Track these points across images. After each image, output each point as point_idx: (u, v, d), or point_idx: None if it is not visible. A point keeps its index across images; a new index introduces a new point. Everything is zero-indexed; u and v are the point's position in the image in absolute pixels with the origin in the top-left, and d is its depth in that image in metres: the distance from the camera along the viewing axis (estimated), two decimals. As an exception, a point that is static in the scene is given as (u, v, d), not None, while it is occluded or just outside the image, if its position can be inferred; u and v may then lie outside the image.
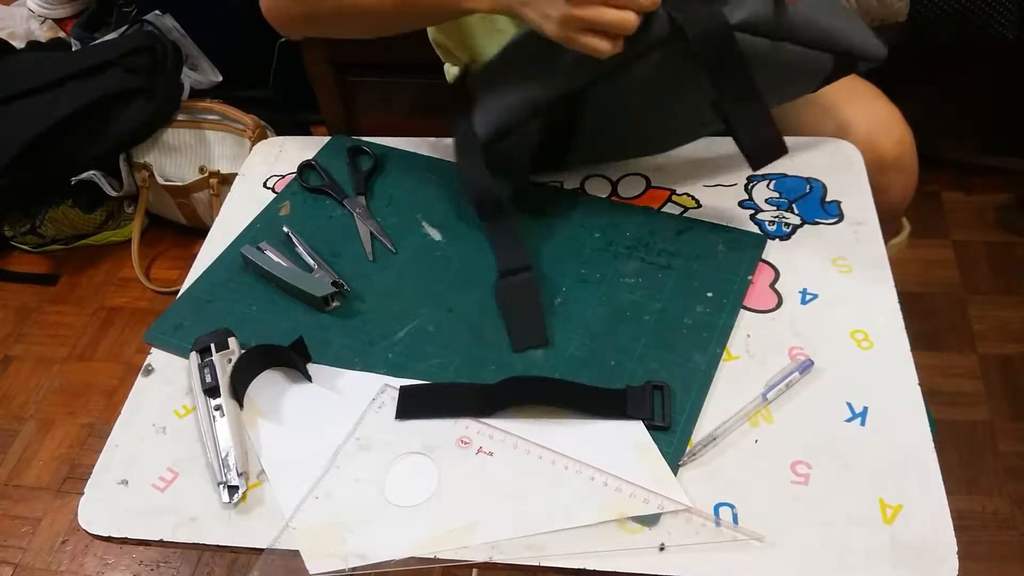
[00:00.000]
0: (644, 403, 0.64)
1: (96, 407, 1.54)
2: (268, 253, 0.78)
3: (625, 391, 0.65)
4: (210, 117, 1.70)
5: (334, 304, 0.74)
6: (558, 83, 0.72)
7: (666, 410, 0.64)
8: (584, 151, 0.81)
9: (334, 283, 0.74)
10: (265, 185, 0.90)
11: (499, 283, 0.74)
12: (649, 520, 0.58)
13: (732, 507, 0.58)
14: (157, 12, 1.76)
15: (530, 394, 0.65)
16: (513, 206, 0.78)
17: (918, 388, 0.63)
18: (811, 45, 0.73)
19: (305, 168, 0.90)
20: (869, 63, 0.77)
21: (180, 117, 1.70)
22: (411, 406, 0.66)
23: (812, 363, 0.65)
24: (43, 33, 1.98)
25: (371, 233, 0.81)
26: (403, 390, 0.67)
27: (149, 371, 0.72)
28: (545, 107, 0.73)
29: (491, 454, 0.62)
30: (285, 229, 0.81)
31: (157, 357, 0.73)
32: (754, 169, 0.74)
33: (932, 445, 0.60)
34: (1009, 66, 1.52)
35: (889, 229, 0.97)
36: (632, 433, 0.62)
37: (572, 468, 0.61)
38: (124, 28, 1.78)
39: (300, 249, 0.79)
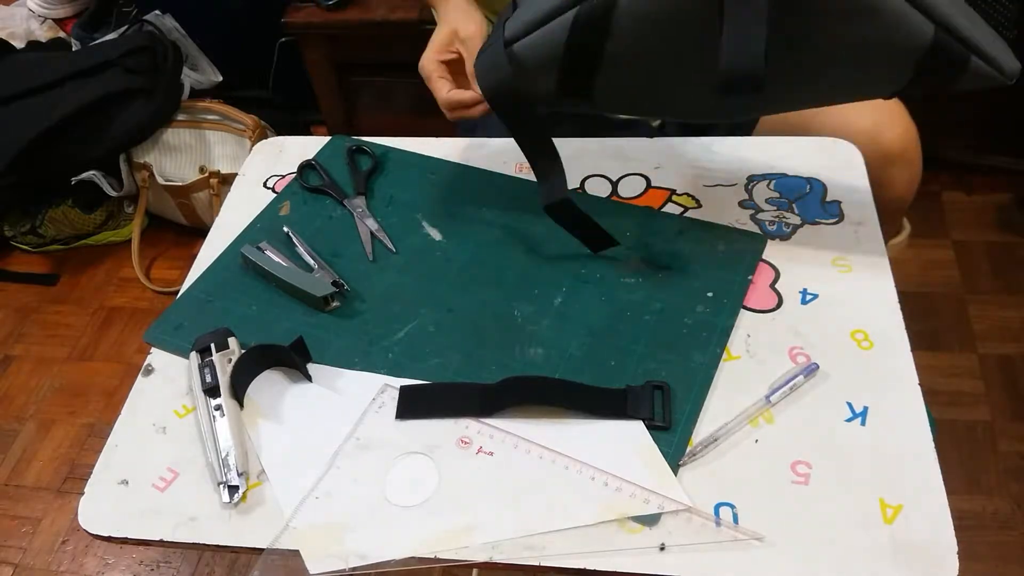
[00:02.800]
0: (644, 403, 0.64)
1: (96, 407, 1.54)
2: (268, 253, 0.78)
3: (625, 391, 0.65)
4: (210, 117, 1.70)
5: (334, 304, 0.74)
6: None
7: (666, 410, 0.64)
8: (609, 79, 0.68)
9: (334, 283, 0.74)
10: (265, 185, 0.90)
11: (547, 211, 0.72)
12: (649, 520, 0.58)
13: (732, 507, 0.58)
14: (157, 12, 1.77)
15: (530, 394, 0.65)
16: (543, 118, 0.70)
17: (918, 388, 0.63)
18: (910, 1, 0.58)
19: (305, 168, 0.90)
20: (988, 71, 0.60)
21: (180, 117, 1.70)
22: (411, 406, 0.66)
23: (817, 367, 0.65)
24: (43, 33, 1.98)
25: (371, 233, 0.81)
26: (403, 390, 0.67)
27: (149, 371, 0.72)
28: (573, 4, 0.64)
29: (491, 454, 0.62)
30: (285, 229, 0.82)
31: (157, 357, 0.73)
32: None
33: (932, 445, 0.60)
34: None
35: (891, 227, 0.96)
36: (632, 433, 0.62)
37: (572, 468, 0.61)
38: (124, 28, 1.79)
39: (300, 249, 0.79)
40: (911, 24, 0.59)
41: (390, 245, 0.80)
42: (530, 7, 0.67)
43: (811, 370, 0.65)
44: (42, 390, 1.58)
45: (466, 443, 0.63)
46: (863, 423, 0.62)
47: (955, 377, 1.40)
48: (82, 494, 0.64)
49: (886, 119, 0.89)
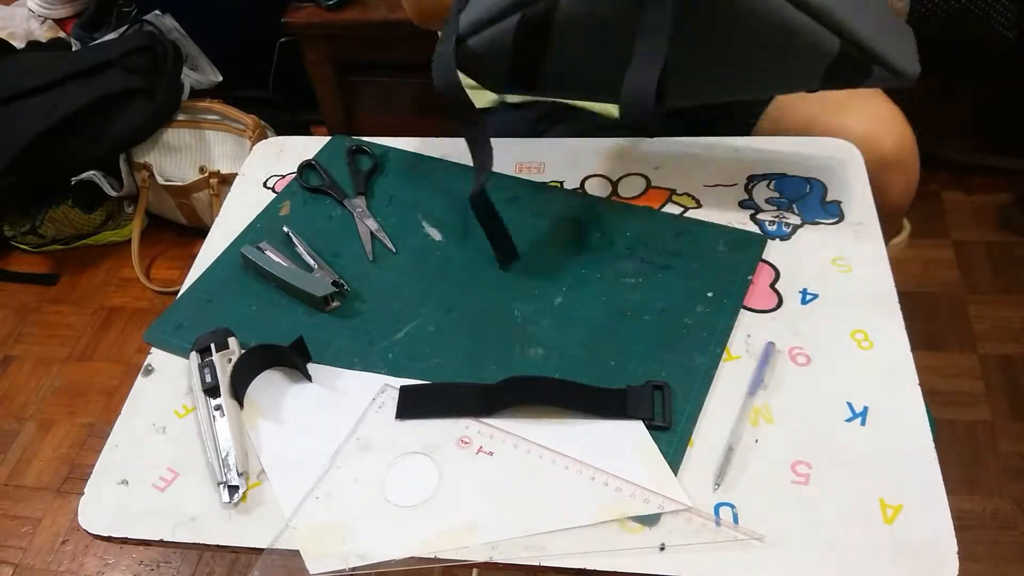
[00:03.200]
0: (644, 403, 0.64)
1: (96, 407, 1.54)
2: (268, 253, 0.78)
3: (625, 391, 0.65)
4: (210, 117, 1.70)
5: (334, 304, 0.74)
6: None
7: (667, 410, 0.64)
8: (554, 67, 0.75)
9: (334, 283, 0.74)
10: (265, 185, 0.90)
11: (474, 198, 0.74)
12: (649, 520, 0.58)
13: (732, 507, 0.58)
14: (157, 12, 1.77)
15: (530, 394, 0.65)
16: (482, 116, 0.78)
17: (918, 388, 0.63)
18: (818, 18, 0.66)
19: (305, 168, 0.90)
20: (888, 75, 0.69)
21: (180, 117, 1.71)
22: (411, 406, 0.66)
23: (773, 345, 0.67)
24: (43, 33, 1.98)
25: (371, 233, 0.81)
26: (403, 390, 0.67)
27: (149, 371, 0.72)
28: (523, 3, 0.71)
29: (491, 454, 0.62)
30: (285, 229, 0.82)
31: (157, 357, 0.73)
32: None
33: (932, 445, 0.60)
34: (1009, 66, 1.52)
35: (890, 229, 0.96)
36: (632, 433, 0.62)
37: (572, 468, 0.61)
38: (124, 28, 1.79)
39: (300, 249, 0.79)
40: (819, 38, 0.67)
41: (390, 245, 0.80)
42: (480, 5, 0.73)
43: (768, 353, 0.66)
44: (42, 390, 1.58)
45: (466, 443, 0.63)
46: (863, 423, 0.62)
47: (955, 377, 1.40)
48: (82, 494, 0.64)
49: (883, 125, 0.90)
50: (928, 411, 0.62)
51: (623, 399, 0.64)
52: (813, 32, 0.66)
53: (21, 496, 1.41)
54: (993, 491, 1.25)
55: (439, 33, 0.94)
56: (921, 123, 0.93)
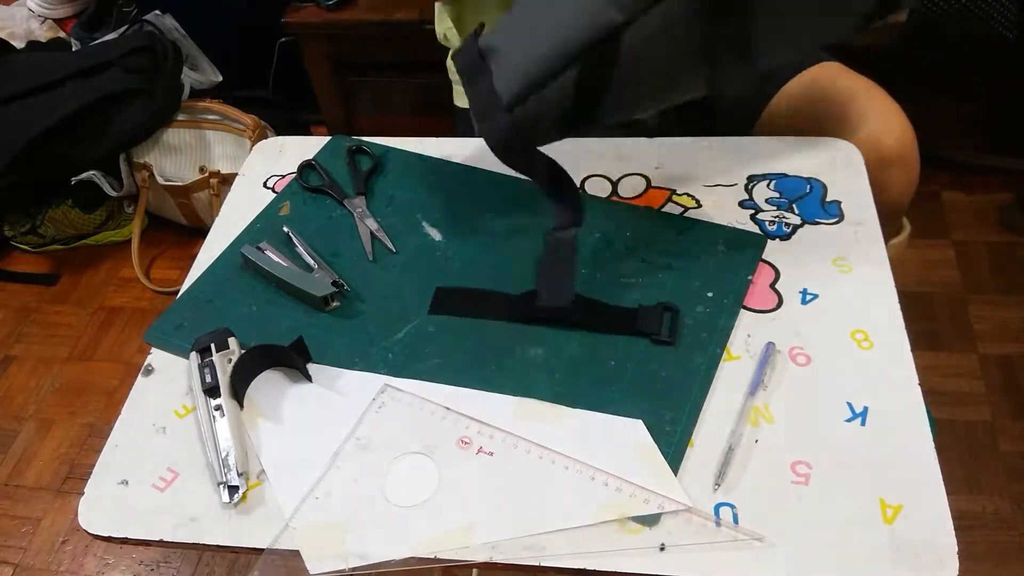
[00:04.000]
0: (654, 320, 0.68)
1: (96, 407, 1.54)
2: (268, 253, 0.78)
3: (636, 310, 0.70)
4: (210, 117, 1.70)
5: (334, 304, 0.74)
6: (594, 23, 0.63)
7: (674, 328, 0.68)
8: (619, 99, 0.68)
9: (334, 283, 0.74)
10: (265, 185, 0.90)
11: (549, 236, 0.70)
12: (649, 520, 0.58)
13: (732, 507, 0.58)
14: (157, 12, 1.77)
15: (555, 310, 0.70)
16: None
17: (918, 388, 0.63)
18: None
19: (305, 168, 0.90)
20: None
21: (180, 117, 1.71)
22: (444, 304, 0.72)
23: (773, 345, 0.67)
24: (43, 33, 1.98)
25: (371, 233, 0.81)
26: (438, 291, 0.73)
27: (149, 371, 0.72)
28: (579, 52, 0.63)
29: (491, 454, 0.62)
30: (285, 229, 0.82)
31: (157, 357, 0.73)
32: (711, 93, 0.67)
33: (932, 445, 0.60)
34: (1009, 66, 1.52)
35: (890, 228, 0.96)
36: (632, 433, 0.62)
37: (572, 468, 0.61)
38: (124, 28, 1.79)
39: (300, 249, 0.79)
40: None
41: (390, 245, 0.80)
42: (518, 57, 0.66)
43: (768, 351, 0.66)
44: (42, 390, 1.58)
45: (466, 443, 0.63)
46: (863, 423, 0.62)
47: (955, 377, 1.40)
48: (82, 494, 0.64)
49: (884, 122, 0.90)
50: (928, 411, 0.62)
51: (633, 317, 0.69)
52: None
53: (21, 496, 1.41)
54: (993, 491, 1.25)
55: (437, 28, 0.90)
56: (921, 123, 0.93)
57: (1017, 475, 1.27)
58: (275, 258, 0.78)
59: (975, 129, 1.66)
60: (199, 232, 1.83)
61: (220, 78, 1.82)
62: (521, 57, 0.65)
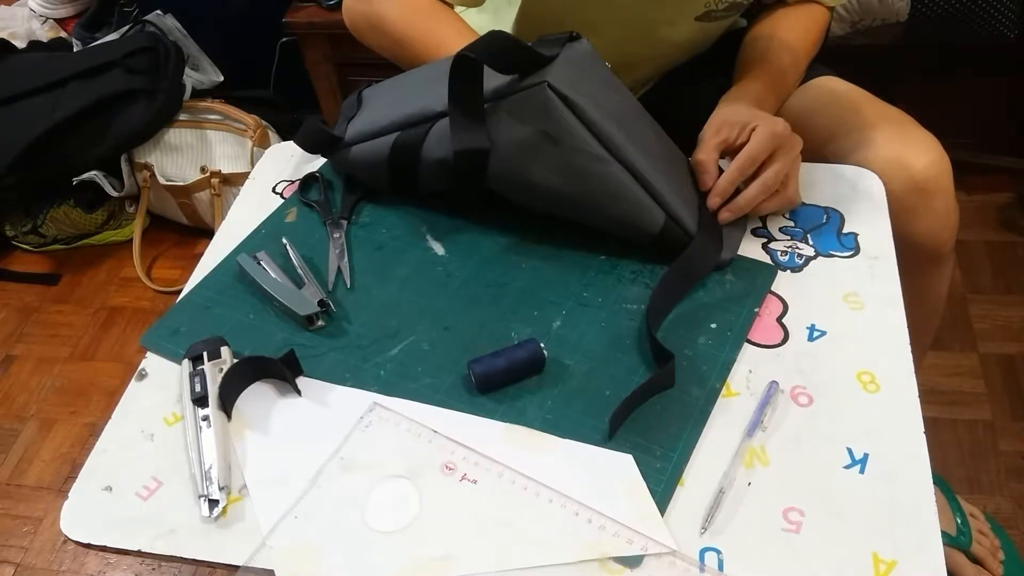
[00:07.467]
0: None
1: (97, 407, 1.54)
2: (263, 264, 0.77)
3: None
4: (211, 117, 1.71)
5: (319, 323, 0.73)
6: (418, 106, 0.78)
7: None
8: (428, 179, 0.81)
9: (320, 302, 0.73)
10: (274, 190, 0.89)
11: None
12: (631, 562, 0.56)
13: (718, 552, 0.56)
14: (158, 12, 1.78)
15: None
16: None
17: (923, 437, 0.61)
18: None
19: (308, 180, 0.89)
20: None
21: (181, 117, 1.71)
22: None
23: (776, 384, 0.64)
24: (44, 33, 2.00)
25: (338, 264, 0.78)
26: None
27: (143, 376, 0.72)
28: (399, 126, 0.80)
29: (475, 482, 0.61)
30: (284, 241, 0.80)
31: (152, 362, 0.73)
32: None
33: (933, 499, 0.57)
34: (1009, 66, 1.52)
35: (931, 267, 0.90)
36: (621, 468, 0.61)
37: (557, 502, 0.59)
38: (125, 28, 1.80)
39: (295, 263, 0.78)
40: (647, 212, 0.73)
41: (347, 280, 0.77)
42: (367, 119, 0.83)
43: (772, 391, 0.64)
44: (43, 390, 1.59)
45: (451, 469, 0.62)
46: (862, 471, 0.59)
47: (956, 377, 1.39)
48: (67, 498, 0.63)
49: (913, 146, 0.85)
50: (935, 474, 0.60)
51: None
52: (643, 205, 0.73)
53: (22, 496, 1.41)
54: (993, 491, 1.24)
55: None
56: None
57: (1017, 475, 1.25)
58: (268, 270, 0.76)
59: (975, 129, 1.64)
60: (200, 232, 1.84)
61: (221, 78, 1.82)
62: (369, 114, 0.84)
